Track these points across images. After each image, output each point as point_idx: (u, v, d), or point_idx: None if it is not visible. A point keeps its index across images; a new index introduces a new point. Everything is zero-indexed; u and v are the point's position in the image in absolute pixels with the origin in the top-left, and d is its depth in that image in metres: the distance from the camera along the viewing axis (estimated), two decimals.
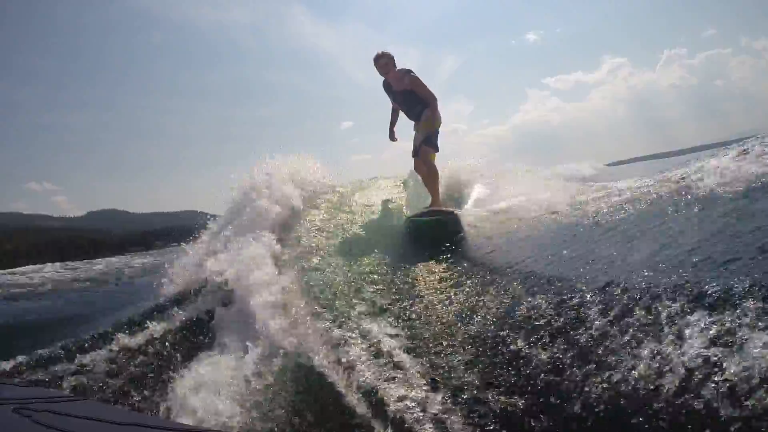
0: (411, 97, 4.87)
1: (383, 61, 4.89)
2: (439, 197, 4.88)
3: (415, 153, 4.96)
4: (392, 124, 5.44)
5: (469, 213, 4.50)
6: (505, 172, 5.79)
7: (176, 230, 4.47)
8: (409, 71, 4.87)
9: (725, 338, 1.53)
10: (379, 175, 7.37)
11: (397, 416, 1.94)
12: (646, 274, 2.13)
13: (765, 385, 1.30)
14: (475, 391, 2.04)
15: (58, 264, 9.44)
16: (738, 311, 1.60)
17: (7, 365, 2.40)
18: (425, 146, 4.85)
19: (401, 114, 5.27)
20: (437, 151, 4.96)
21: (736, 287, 1.71)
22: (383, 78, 5.03)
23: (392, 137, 5.48)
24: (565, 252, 2.94)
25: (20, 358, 2.45)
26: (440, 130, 4.98)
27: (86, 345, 2.62)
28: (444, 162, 5.85)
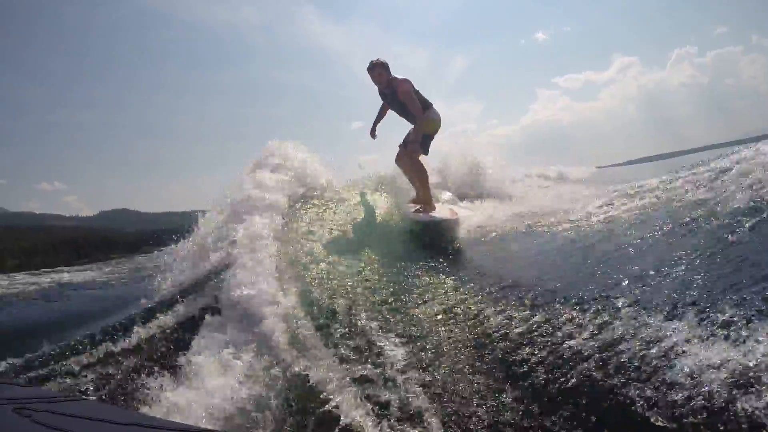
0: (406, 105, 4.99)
1: (377, 71, 4.95)
2: (429, 194, 5.04)
3: (405, 144, 5.14)
4: (376, 121, 5.58)
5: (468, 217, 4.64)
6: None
7: (187, 229, 4.49)
8: (405, 81, 4.90)
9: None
10: (380, 174, 7.33)
11: (391, 421, 1.94)
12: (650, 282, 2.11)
13: None
14: (472, 397, 2.03)
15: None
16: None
17: (7, 365, 2.44)
18: (415, 144, 4.98)
19: (393, 113, 5.35)
20: (425, 153, 5.11)
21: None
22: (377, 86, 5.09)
23: (373, 134, 5.64)
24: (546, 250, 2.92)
25: (20, 358, 2.49)
26: (439, 130, 5.11)
27: (86, 345, 2.65)
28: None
